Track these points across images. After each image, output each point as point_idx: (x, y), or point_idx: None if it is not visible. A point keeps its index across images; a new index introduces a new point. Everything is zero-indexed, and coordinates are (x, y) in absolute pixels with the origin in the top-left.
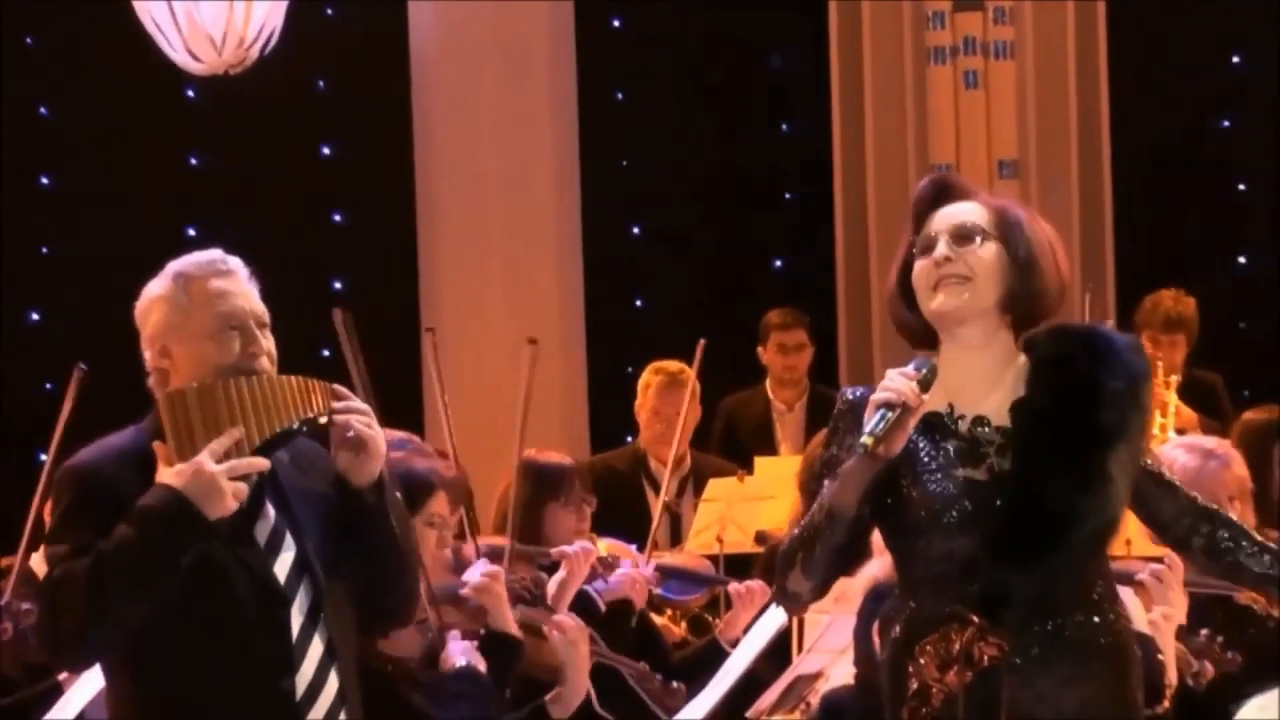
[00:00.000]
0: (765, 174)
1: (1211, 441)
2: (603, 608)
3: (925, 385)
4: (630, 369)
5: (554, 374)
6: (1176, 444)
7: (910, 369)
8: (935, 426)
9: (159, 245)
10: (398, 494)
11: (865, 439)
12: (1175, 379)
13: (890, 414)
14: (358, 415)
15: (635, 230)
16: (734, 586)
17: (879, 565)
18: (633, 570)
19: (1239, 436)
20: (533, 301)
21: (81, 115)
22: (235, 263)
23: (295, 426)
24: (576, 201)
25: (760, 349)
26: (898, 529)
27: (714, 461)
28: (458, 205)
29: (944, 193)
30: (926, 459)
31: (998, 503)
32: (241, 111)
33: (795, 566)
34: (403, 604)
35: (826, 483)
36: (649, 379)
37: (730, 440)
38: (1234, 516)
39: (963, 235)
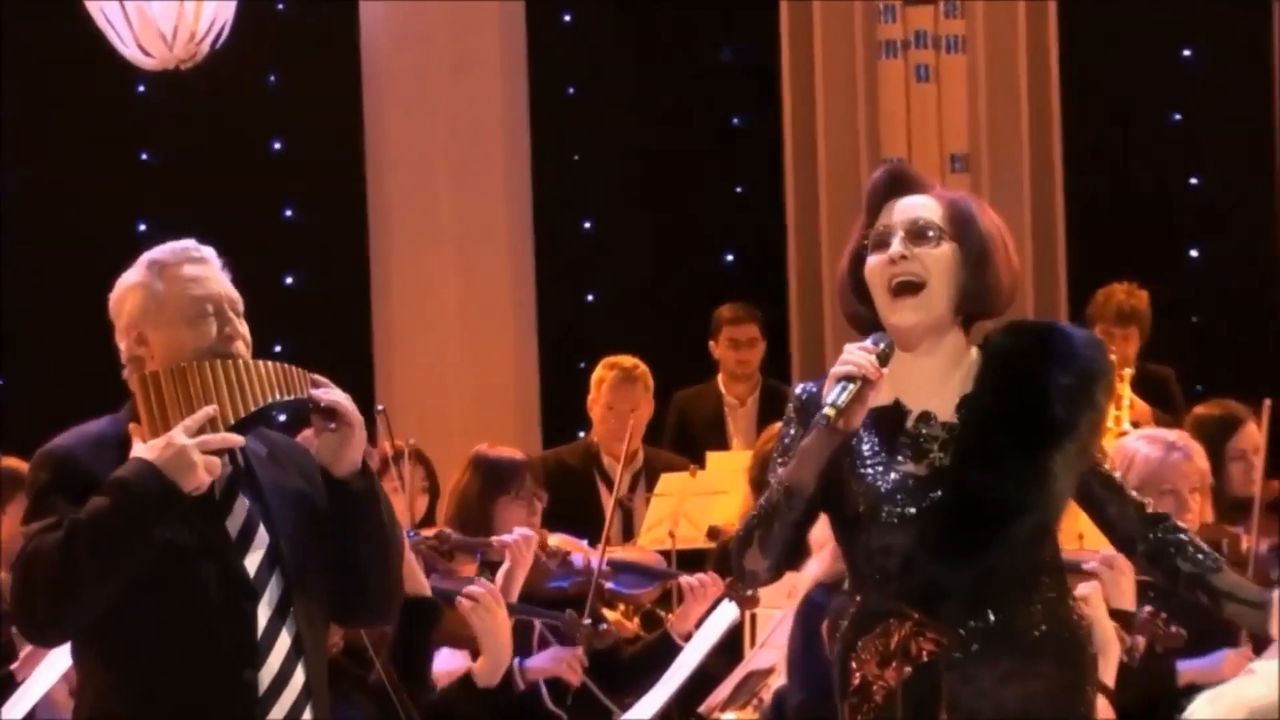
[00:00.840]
0: (716, 168)
1: (1173, 434)
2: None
3: (884, 360)
4: (583, 364)
5: (506, 369)
6: (1139, 436)
7: (869, 343)
8: (881, 420)
9: (110, 240)
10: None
11: (827, 409)
12: (1129, 372)
13: (850, 385)
14: (338, 398)
15: (587, 225)
16: (686, 579)
17: (818, 564)
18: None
19: (1191, 432)
20: (485, 296)
21: (32, 111)
22: (208, 251)
23: (271, 402)
24: (528, 196)
25: (712, 344)
26: (841, 521)
27: (666, 456)
28: (409, 200)
29: (899, 183)
30: (869, 453)
31: (936, 497)
32: (193, 107)
33: (753, 544)
34: (387, 597)
35: (783, 464)
36: (602, 374)
37: (682, 435)
38: (1190, 515)
39: (918, 233)
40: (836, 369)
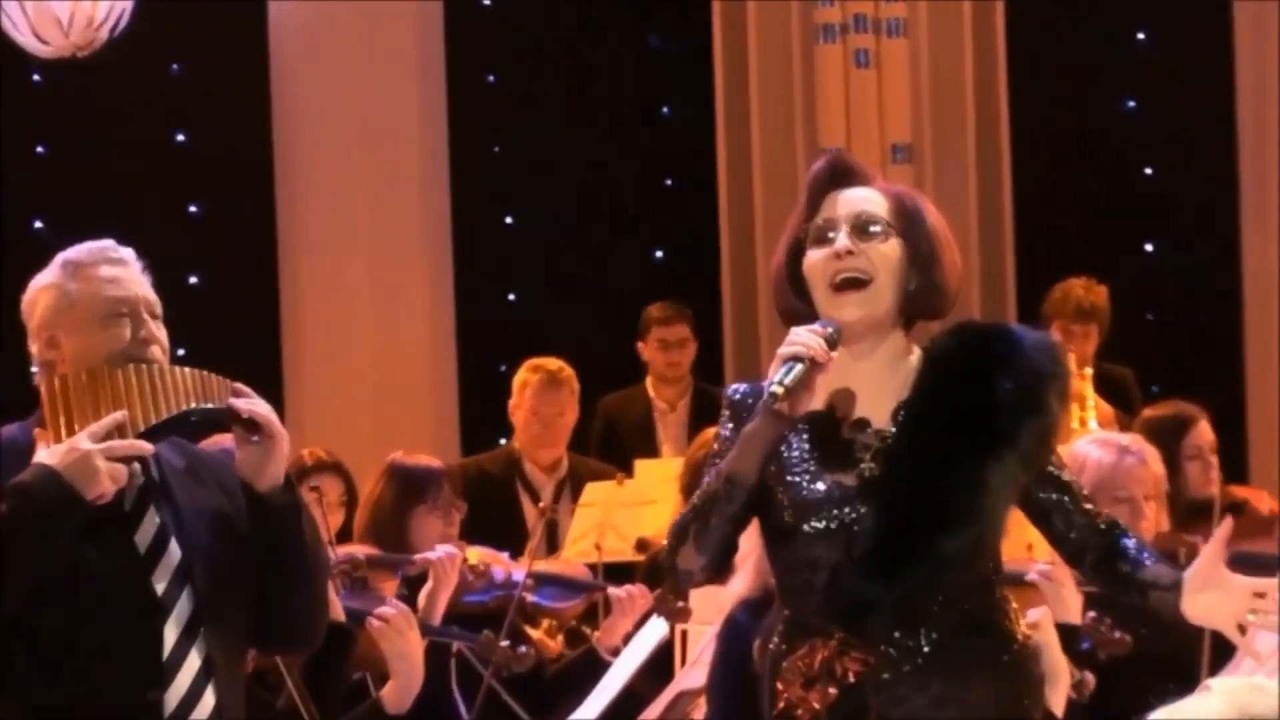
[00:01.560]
0: (645, 160)
1: (1126, 437)
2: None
3: (831, 345)
4: (504, 366)
5: (423, 372)
6: (1090, 439)
7: (816, 327)
8: (813, 426)
9: (6, 238)
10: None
11: (773, 388)
12: (1089, 371)
13: (798, 366)
14: (261, 409)
15: (508, 220)
16: (613, 591)
17: (741, 580)
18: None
19: (1142, 435)
20: (400, 295)
21: None
22: (127, 252)
23: (187, 410)
24: (446, 190)
25: (640, 345)
26: (768, 531)
27: (592, 464)
28: (320, 197)
29: (841, 174)
30: (798, 460)
31: (862, 510)
32: (91, 98)
33: (688, 540)
34: (310, 622)
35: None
36: (525, 377)
37: (609, 441)
38: (1146, 522)
39: (864, 227)
40: (783, 349)
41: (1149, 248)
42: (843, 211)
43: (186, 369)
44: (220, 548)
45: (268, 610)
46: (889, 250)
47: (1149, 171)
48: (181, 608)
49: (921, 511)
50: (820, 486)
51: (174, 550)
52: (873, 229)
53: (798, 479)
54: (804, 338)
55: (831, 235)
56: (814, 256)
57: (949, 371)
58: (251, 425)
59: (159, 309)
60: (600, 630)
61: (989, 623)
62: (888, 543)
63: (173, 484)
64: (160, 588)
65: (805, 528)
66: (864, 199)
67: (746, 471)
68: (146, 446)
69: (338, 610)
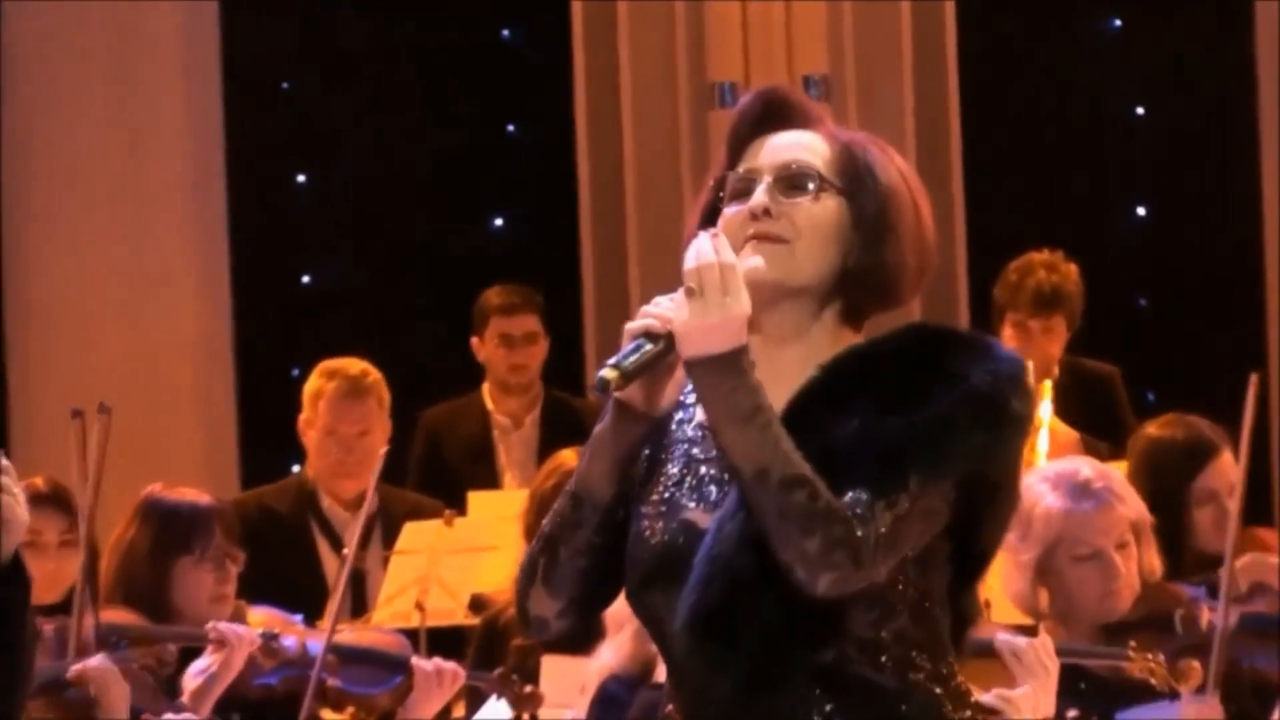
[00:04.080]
0: (479, 97)
1: (1088, 469)
2: None
3: None
4: (296, 370)
5: (190, 378)
6: (1040, 475)
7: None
8: (697, 445)
9: None
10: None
11: (606, 371)
12: (1048, 384)
13: (648, 345)
14: None
15: (300, 178)
16: (418, 662)
17: (614, 650)
18: None
19: (1139, 461)
20: (159, 279)
21: None
22: None
23: None
24: (219, 142)
25: (475, 340)
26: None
27: (410, 498)
28: (55, 150)
29: (775, 113)
30: (661, 488)
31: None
32: None
33: (536, 579)
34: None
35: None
36: (319, 385)
37: (433, 468)
38: (1122, 582)
39: (791, 180)
40: (633, 323)
41: (1140, 211)
42: (767, 160)
43: None
44: None
45: None
46: (819, 212)
47: (1140, 111)
48: None
49: (765, 565)
50: (673, 526)
51: None
52: (803, 183)
53: (649, 511)
54: (662, 308)
55: (750, 189)
56: (728, 214)
57: (844, 384)
58: None
59: None
60: (396, 716)
61: (918, 708)
62: (717, 609)
63: None
64: None
65: (639, 576)
66: (797, 145)
67: (594, 484)
68: None
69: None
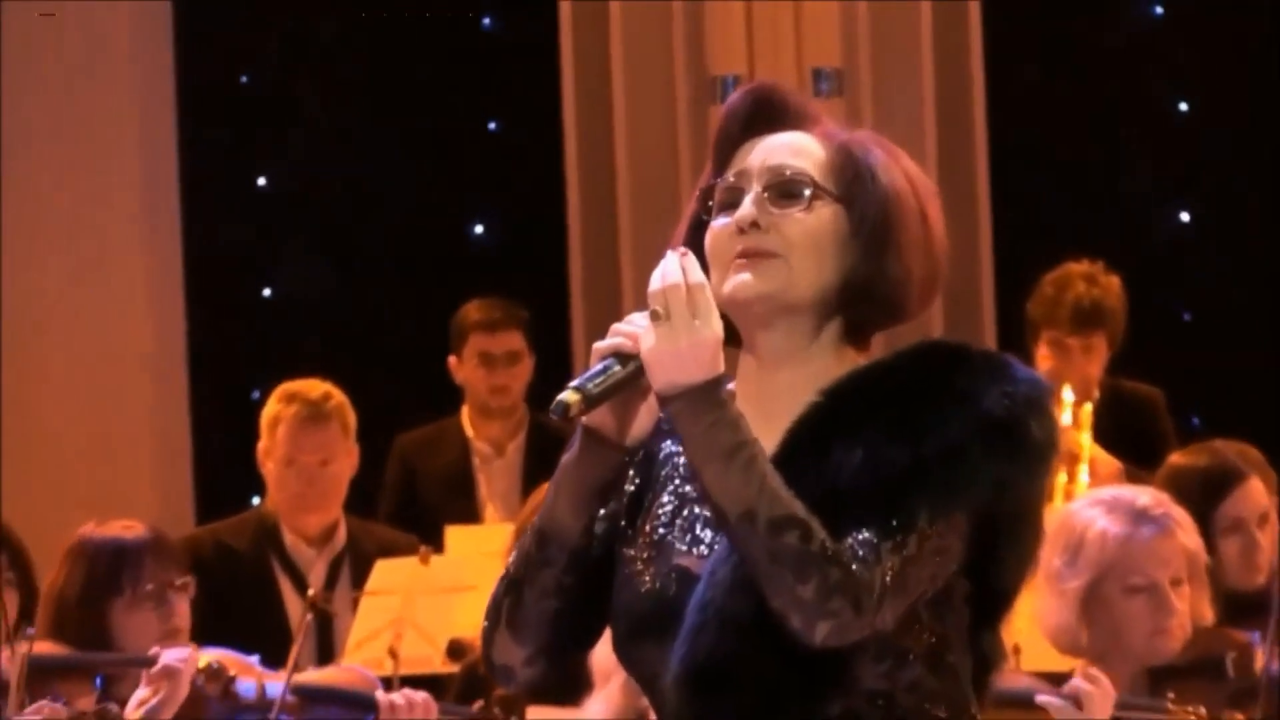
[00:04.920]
0: (461, 93)
1: (1146, 495)
2: None
3: None
4: (256, 393)
5: (141, 401)
6: (1092, 499)
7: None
8: (690, 482)
9: None
10: None
11: (567, 394)
12: (1088, 408)
13: (616, 367)
14: None
15: (261, 181)
16: (381, 697)
17: (604, 703)
18: None
19: (1163, 491)
20: (111, 295)
21: None
22: None
23: None
24: (172, 131)
25: (453, 360)
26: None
27: (382, 534)
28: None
29: (765, 113)
30: (650, 527)
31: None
32: None
33: (500, 623)
34: None
35: None
36: (278, 411)
37: (408, 500)
38: (1177, 620)
39: (782, 188)
40: (602, 342)
41: (1184, 216)
42: (757, 165)
43: None
44: None
45: None
46: (813, 222)
47: (1183, 107)
48: None
49: (739, 616)
50: (661, 571)
51: None
52: (796, 190)
53: (638, 555)
54: (633, 326)
55: (739, 199)
56: (716, 227)
57: (847, 416)
58: None
59: None
60: None
61: None
62: (708, 660)
63: None
64: None
65: (624, 626)
66: (789, 148)
67: (559, 520)
68: None
69: None
